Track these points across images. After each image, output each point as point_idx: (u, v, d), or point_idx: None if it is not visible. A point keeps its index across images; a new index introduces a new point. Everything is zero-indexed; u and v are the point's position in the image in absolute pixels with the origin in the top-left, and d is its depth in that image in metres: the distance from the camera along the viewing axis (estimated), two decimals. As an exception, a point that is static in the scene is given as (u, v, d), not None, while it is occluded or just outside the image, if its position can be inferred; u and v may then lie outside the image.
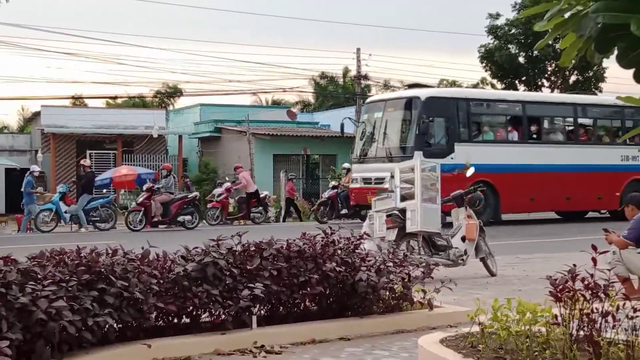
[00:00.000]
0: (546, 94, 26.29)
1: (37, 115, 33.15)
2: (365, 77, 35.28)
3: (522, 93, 23.77)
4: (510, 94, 23.26)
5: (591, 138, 21.59)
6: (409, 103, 19.13)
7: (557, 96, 24.73)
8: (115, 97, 42.36)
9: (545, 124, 21.41)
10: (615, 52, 2.91)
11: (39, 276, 4.62)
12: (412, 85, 21.15)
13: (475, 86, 33.47)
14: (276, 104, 47.47)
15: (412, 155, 17.02)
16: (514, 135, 20.32)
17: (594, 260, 4.31)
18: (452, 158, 18.07)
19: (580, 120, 21.55)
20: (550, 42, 3.65)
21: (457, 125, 19.22)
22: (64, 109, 33.33)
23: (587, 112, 21.71)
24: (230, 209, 22.67)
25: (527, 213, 21.64)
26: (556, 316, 4.17)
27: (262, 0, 79.07)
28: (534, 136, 20.75)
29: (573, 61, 3.51)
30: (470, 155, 17.10)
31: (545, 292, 4.32)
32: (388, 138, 19.31)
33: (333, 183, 24.14)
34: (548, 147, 20.67)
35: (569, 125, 21.61)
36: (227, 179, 24.37)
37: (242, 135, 30.83)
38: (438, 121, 18.96)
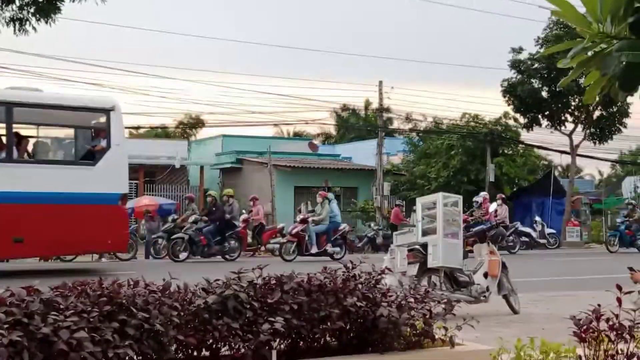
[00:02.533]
0: None
1: (62, 144, 33.47)
2: (387, 110, 35.40)
3: None
4: None
5: None
6: None
7: None
8: (138, 128, 42.77)
9: None
10: (640, 90, 2.91)
11: (61, 306, 4.64)
12: None
13: (497, 120, 33.36)
14: (298, 135, 47.78)
15: None
16: None
17: (619, 300, 4.25)
18: None
19: None
20: (574, 78, 3.65)
21: None
22: (88, 138, 33.62)
23: None
24: (250, 240, 22.83)
25: None
26: (580, 357, 4.11)
27: (283, 32, 79.94)
28: None
29: (597, 98, 3.51)
30: None
31: (569, 332, 4.26)
32: None
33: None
34: None
35: None
36: (243, 211, 24.40)
37: (264, 166, 30.96)
38: None
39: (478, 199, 22.59)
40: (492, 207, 21.62)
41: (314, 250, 19.88)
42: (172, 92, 58.74)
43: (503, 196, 24.49)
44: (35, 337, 4.33)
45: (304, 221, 20.31)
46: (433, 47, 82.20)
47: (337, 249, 20.30)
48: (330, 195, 21.97)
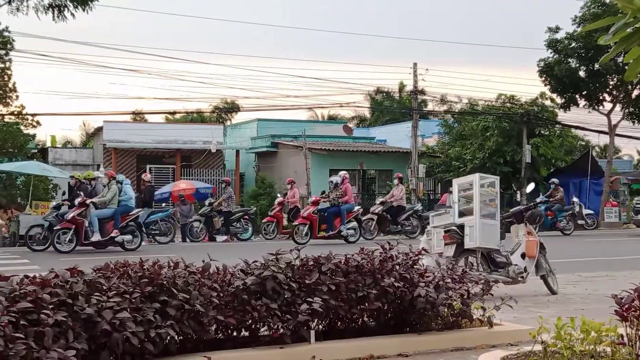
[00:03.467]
0: None
1: (99, 130, 33.98)
2: (422, 92, 35.12)
3: None
4: None
5: None
6: None
7: None
8: (174, 113, 43.20)
9: None
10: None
11: (104, 287, 4.73)
12: None
13: (533, 101, 32.95)
14: (332, 119, 47.69)
15: None
16: None
17: (661, 279, 4.20)
18: None
19: None
20: (615, 54, 3.59)
21: None
22: (125, 124, 34.14)
23: None
24: (285, 223, 22.94)
25: None
26: (622, 336, 4.07)
27: (319, 16, 79.67)
28: None
29: (639, 75, 3.45)
30: None
31: (609, 312, 4.22)
32: None
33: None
34: None
35: None
36: (278, 195, 24.63)
37: (299, 150, 31.01)
38: None
39: (336, 178, 20.48)
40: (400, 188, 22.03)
41: (96, 238, 16.89)
42: (207, 78, 59.02)
43: (400, 175, 23.54)
44: (80, 318, 4.42)
45: (82, 204, 17.01)
46: (469, 28, 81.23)
47: (128, 236, 17.36)
48: (120, 176, 18.81)
